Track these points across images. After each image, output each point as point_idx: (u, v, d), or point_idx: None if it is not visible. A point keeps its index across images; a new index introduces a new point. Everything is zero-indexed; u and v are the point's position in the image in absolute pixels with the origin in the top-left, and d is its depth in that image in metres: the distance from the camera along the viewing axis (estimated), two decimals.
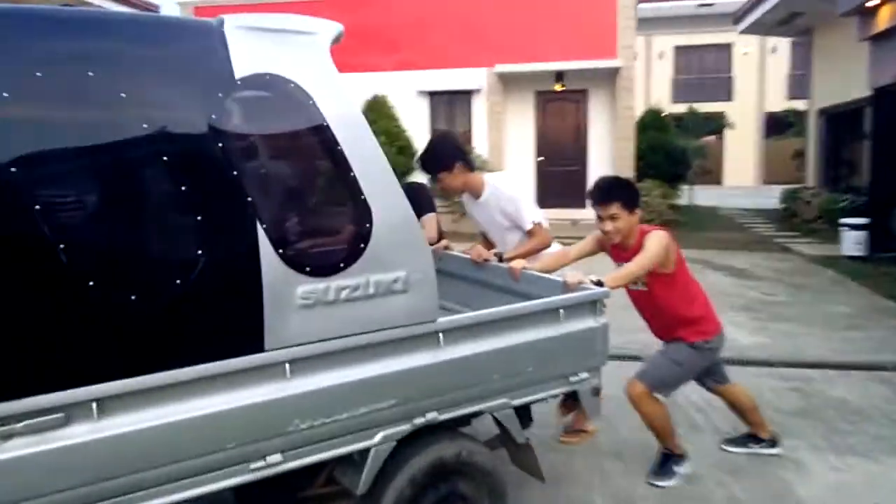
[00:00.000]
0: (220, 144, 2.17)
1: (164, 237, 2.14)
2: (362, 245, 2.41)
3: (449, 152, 3.90)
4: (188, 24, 2.34)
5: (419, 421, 2.58)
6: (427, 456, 2.65)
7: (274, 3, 15.64)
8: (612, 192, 3.66)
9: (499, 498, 2.86)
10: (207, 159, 2.18)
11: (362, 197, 2.40)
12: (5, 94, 1.91)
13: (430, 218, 4.36)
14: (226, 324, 2.21)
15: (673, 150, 16.58)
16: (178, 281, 2.11)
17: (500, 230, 4.04)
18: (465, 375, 2.67)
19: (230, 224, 2.21)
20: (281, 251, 2.24)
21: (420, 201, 4.34)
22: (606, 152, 15.20)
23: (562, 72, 14.83)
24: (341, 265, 2.37)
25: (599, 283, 3.14)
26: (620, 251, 3.76)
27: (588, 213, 14.58)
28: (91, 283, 1.99)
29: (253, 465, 2.28)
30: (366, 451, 2.49)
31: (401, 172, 14.41)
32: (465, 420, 2.86)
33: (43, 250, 1.93)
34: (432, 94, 15.48)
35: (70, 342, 1.99)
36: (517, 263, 3.48)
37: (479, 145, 15.19)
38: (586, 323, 2.99)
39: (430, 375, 2.58)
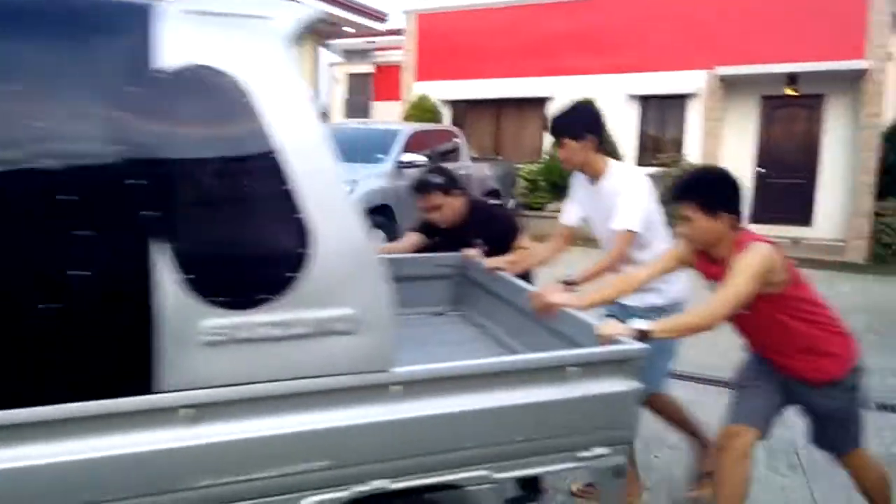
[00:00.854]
0: (116, 147, 1.87)
1: (32, 252, 1.84)
2: (293, 274, 2.03)
3: (585, 121, 3.43)
4: (103, 6, 2.06)
5: (361, 489, 2.15)
6: None
7: (500, 7, 15.84)
8: (689, 187, 2.87)
9: None
10: (93, 165, 1.88)
11: (299, 216, 2.02)
12: None
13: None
14: (104, 358, 1.91)
15: None
16: (41, 304, 1.83)
17: (607, 228, 3.43)
18: (428, 438, 2.20)
19: (115, 241, 1.90)
20: (182, 276, 1.92)
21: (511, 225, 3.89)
22: (843, 165, 13.36)
23: (795, 74, 13.21)
24: (263, 297, 2.01)
25: (642, 334, 2.51)
26: (707, 265, 2.94)
27: (813, 232, 13.17)
28: None
29: None
30: None
31: None
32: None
33: None
34: (643, 99, 14.58)
35: None
36: (557, 297, 2.89)
37: (692, 153, 14.04)
38: (609, 386, 2.36)
39: (378, 435, 2.14)
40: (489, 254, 3.73)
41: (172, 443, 1.95)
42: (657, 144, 14.86)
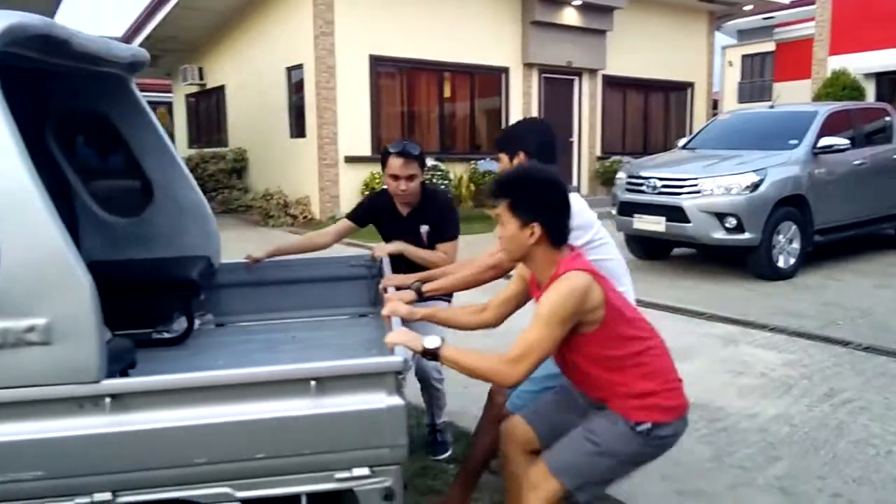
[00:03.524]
0: None
1: None
2: None
3: (525, 138, 2.97)
4: None
5: (83, 500, 2.04)
6: None
7: None
8: (504, 181, 2.32)
9: None
10: None
11: None
12: None
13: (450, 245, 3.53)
14: None
15: None
16: None
17: None
18: (150, 452, 2.03)
19: None
20: None
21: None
22: None
23: None
24: None
25: (427, 354, 2.21)
26: (535, 286, 2.43)
27: None
28: None
29: None
30: None
31: None
32: None
33: None
34: None
35: None
36: (388, 306, 2.61)
37: None
38: (362, 401, 2.06)
39: (91, 448, 2.01)
40: (431, 240, 3.50)
41: None
42: None
